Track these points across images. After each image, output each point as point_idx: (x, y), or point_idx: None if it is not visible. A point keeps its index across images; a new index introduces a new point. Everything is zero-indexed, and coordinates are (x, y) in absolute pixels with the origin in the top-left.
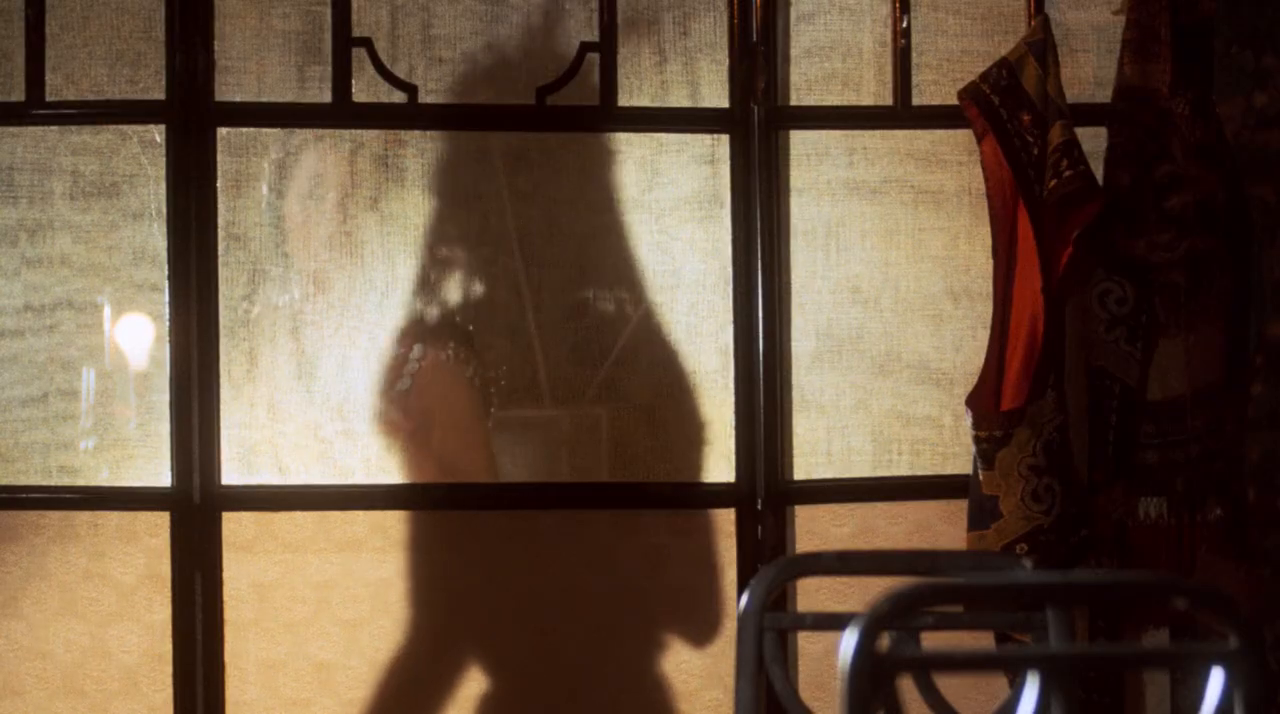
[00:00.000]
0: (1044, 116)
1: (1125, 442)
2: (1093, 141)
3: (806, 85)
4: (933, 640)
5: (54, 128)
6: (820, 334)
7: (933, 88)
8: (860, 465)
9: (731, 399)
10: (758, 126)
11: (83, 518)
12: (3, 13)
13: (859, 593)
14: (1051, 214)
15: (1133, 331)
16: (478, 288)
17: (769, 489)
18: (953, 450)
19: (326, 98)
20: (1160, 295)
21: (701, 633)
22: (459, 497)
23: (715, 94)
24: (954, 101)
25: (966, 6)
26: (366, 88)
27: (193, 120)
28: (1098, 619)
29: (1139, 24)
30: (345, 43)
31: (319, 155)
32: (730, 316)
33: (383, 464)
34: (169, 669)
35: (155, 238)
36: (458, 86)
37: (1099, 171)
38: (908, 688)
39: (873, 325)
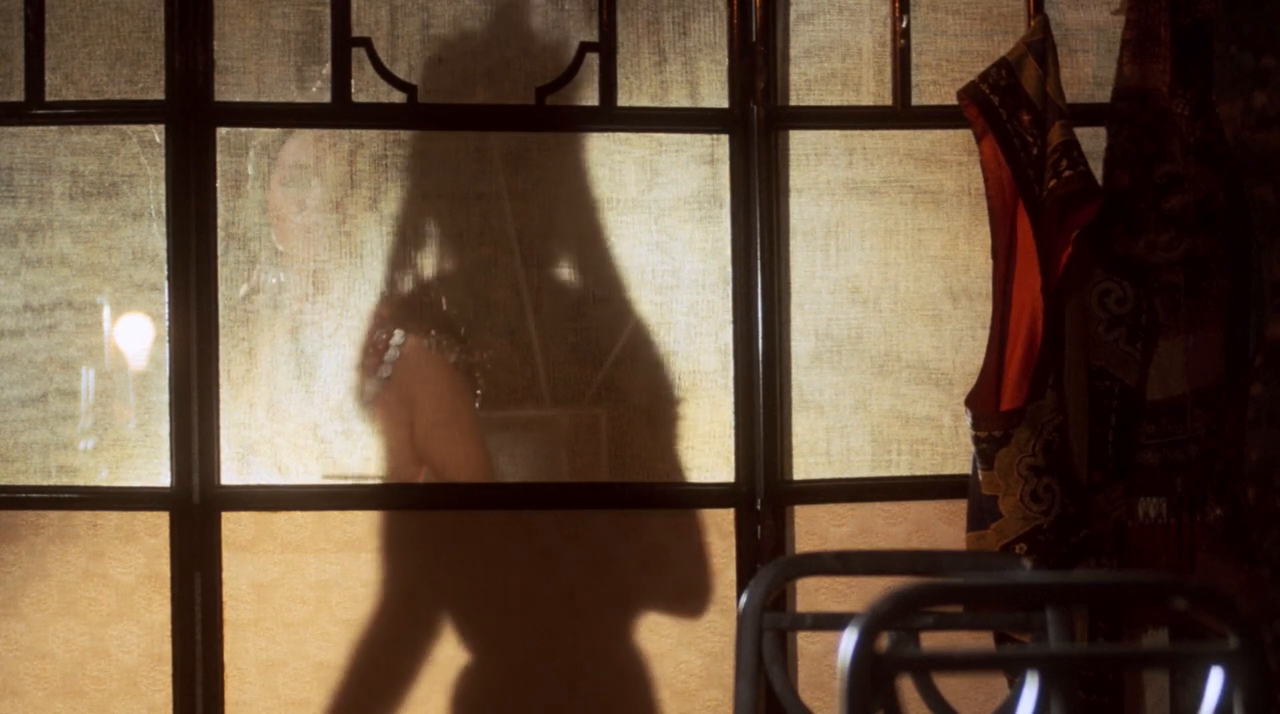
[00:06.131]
0: (1043, 116)
1: (1125, 442)
2: (1092, 141)
3: (806, 85)
4: (932, 640)
5: (53, 128)
6: (820, 334)
7: (932, 88)
8: (860, 465)
9: (731, 399)
10: (757, 126)
11: (82, 518)
12: (2, 13)
13: (859, 593)
14: (1051, 214)
15: (1132, 331)
16: (477, 288)
17: (768, 489)
18: (952, 450)
19: (326, 98)
20: (1160, 295)
21: (700, 633)
22: (459, 497)
23: (715, 94)
24: (953, 101)
25: (966, 6)
26: (366, 88)
27: (192, 120)
28: (1098, 619)
29: (1138, 24)
30: (345, 43)
31: (318, 155)
32: (730, 317)
33: (381, 463)
34: (168, 669)
35: (155, 238)
36: (457, 86)
37: (1099, 171)
38: (907, 688)
39: (872, 325)
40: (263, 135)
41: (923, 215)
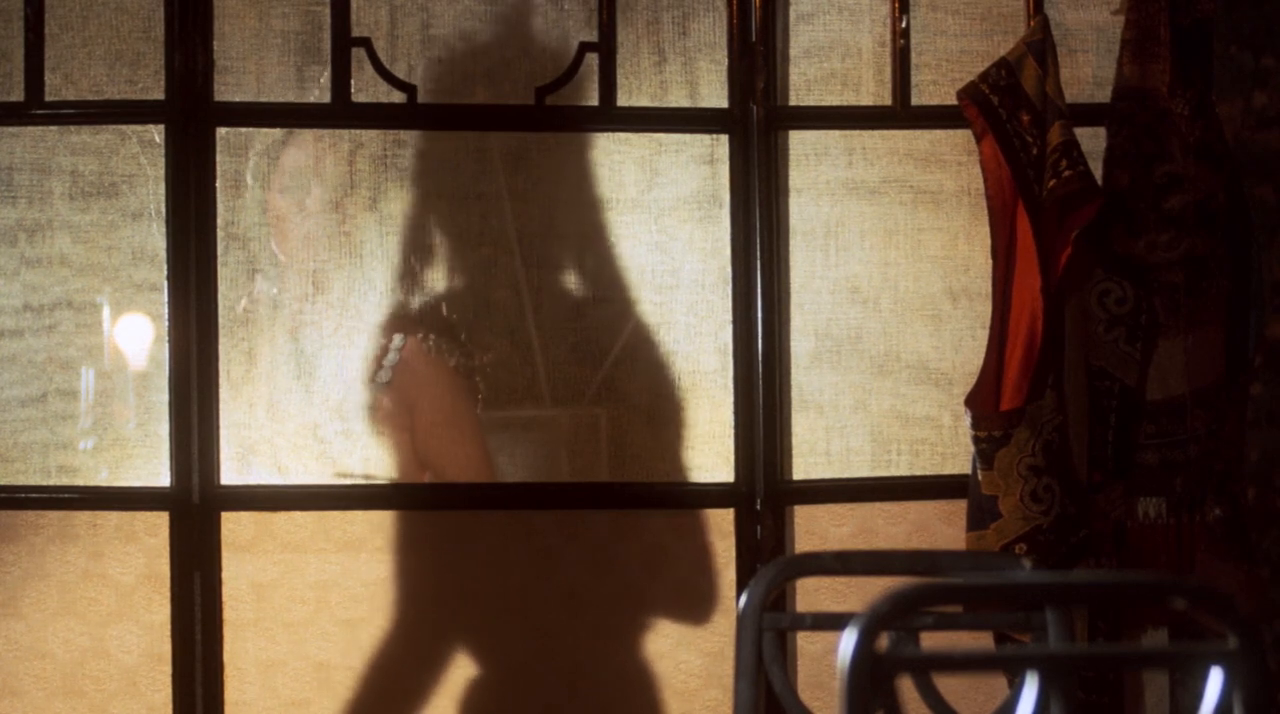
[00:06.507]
0: (1043, 116)
1: (1124, 442)
2: (1092, 141)
3: (806, 85)
4: (932, 640)
5: (53, 128)
6: (819, 334)
7: (932, 88)
8: (859, 465)
9: (730, 399)
10: (757, 126)
11: (82, 518)
12: (2, 13)
13: (859, 593)
14: (1051, 214)
15: (1132, 331)
16: (477, 288)
17: (768, 489)
18: (952, 450)
19: (326, 98)
20: (1160, 295)
21: (700, 633)
22: (459, 497)
23: (714, 94)
24: (953, 101)
25: (966, 6)
26: (366, 88)
27: (192, 120)
28: (1097, 619)
29: (1138, 24)
30: (344, 43)
31: (318, 155)
32: (729, 316)
33: (382, 464)
34: (168, 669)
35: (154, 238)
36: (457, 86)
37: (1099, 171)
38: (907, 688)
39: (872, 325)
40: (263, 136)
41: (922, 215)
